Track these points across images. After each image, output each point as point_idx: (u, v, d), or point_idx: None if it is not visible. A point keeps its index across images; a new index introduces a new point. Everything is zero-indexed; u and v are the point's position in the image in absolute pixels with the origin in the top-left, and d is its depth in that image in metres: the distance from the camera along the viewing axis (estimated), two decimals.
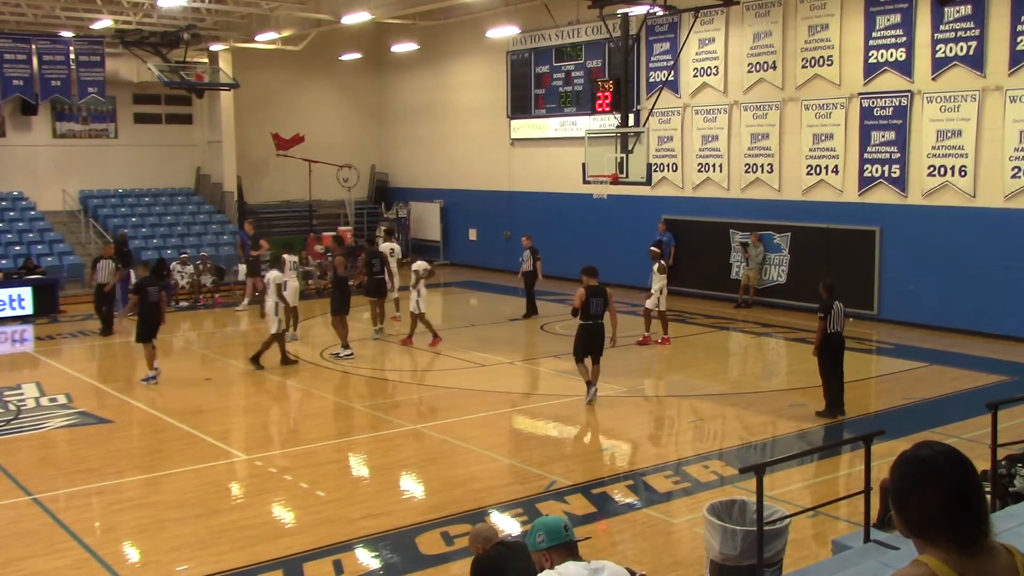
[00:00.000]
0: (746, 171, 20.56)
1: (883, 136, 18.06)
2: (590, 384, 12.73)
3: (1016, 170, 16.25)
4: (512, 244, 25.96)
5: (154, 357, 14.41)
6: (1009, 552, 2.55)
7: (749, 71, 20.24)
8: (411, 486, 9.90)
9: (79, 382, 14.60)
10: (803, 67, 19.22)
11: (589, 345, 12.66)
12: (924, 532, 2.49)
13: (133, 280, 21.44)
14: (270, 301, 15.23)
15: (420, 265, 16.98)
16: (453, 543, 7.94)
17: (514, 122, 26.04)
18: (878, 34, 17.95)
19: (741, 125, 20.54)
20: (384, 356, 16.58)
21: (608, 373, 14.68)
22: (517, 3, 23.37)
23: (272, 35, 25.00)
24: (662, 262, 16.85)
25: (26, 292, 20.07)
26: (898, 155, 17.85)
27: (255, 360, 15.20)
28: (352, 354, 15.88)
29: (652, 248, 17.53)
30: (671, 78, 21.43)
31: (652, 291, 16.49)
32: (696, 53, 21.18)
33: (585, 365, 12.77)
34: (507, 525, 8.38)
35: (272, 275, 15.42)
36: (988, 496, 6.48)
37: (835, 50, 18.66)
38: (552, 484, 9.54)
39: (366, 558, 7.83)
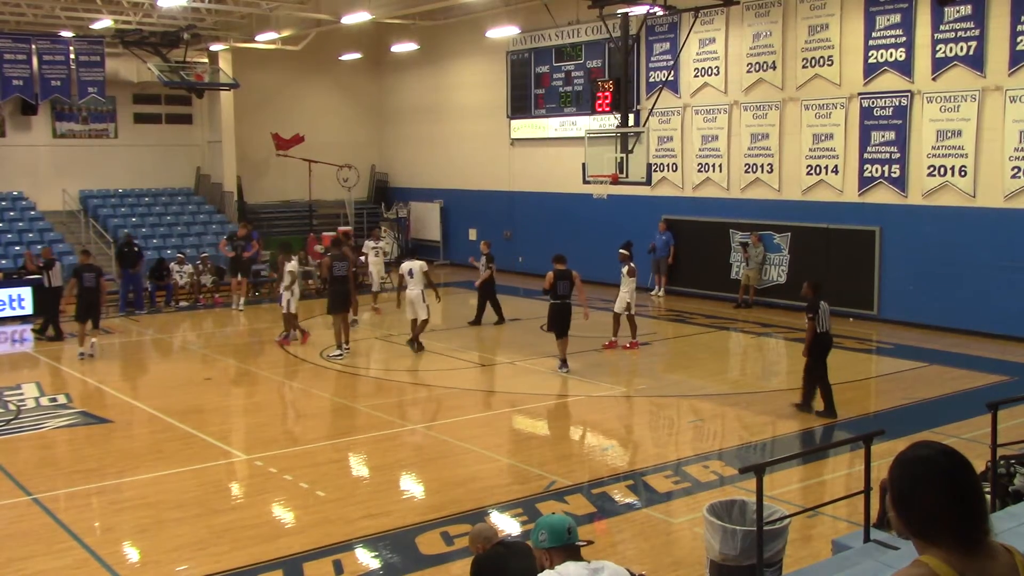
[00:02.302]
0: (746, 171, 20.56)
1: (883, 136, 18.05)
2: (565, 362, 14.54)
3: (1016, 170, 16.25)
4: (512, 244, 26.00)
5: (84, 335, 16.28)
6: (1009, 552, 2.55)
7: (749, 71, 20.24)
8: (411, 486, 9.90)
9: (79, 382, 14.60)
10: (803, 67, 19.22)
11: (559, 322, 14.51)
12: (928, 533, 2.49)
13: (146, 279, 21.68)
14: (417, 289, 15.96)
15: (294, 266, 17.22)
16: (453, 543, 7.94)
17: (514, 122, 26.04)
18: (878, 34, 17.95)
19: (741, 125, 20.54)
20: (383, 356, 16.58)
21: (608, 373, 14.74)
22: (517, 3, 23.36)
23: (272, 35, 25.01)
24: (632, 264, 16.33)
25: (26, 292, 20.06)
26: (898, 155, 17.85)
27: (415, 343, 16.13)
28: (342, 355, 15.82)
29: (621, 251, 16.63)
30: (671, 78, 21.43)
31: (621, 294, 16.10)
32: (696, 53, 21.18)
33: (562, 341, 14.48)
34: (507, 525, 8.39)
35: (417, 264, 16.23)
36: (988, 496, 6.49)
37: (835, 50, 18.66)
38: (552, 484, 9.54)
39: (366, 558, 7.83)
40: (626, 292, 16.09)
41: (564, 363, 14.55)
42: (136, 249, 21.48)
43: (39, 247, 21.35)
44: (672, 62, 21.40)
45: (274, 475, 10.02)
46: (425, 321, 16.26)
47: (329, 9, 23.00)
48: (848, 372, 14.58)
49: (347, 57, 28.93)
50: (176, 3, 21.01)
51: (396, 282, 19.92)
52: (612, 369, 15.10)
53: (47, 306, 18.54)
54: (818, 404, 12.04)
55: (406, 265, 16.38)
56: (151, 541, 8.22)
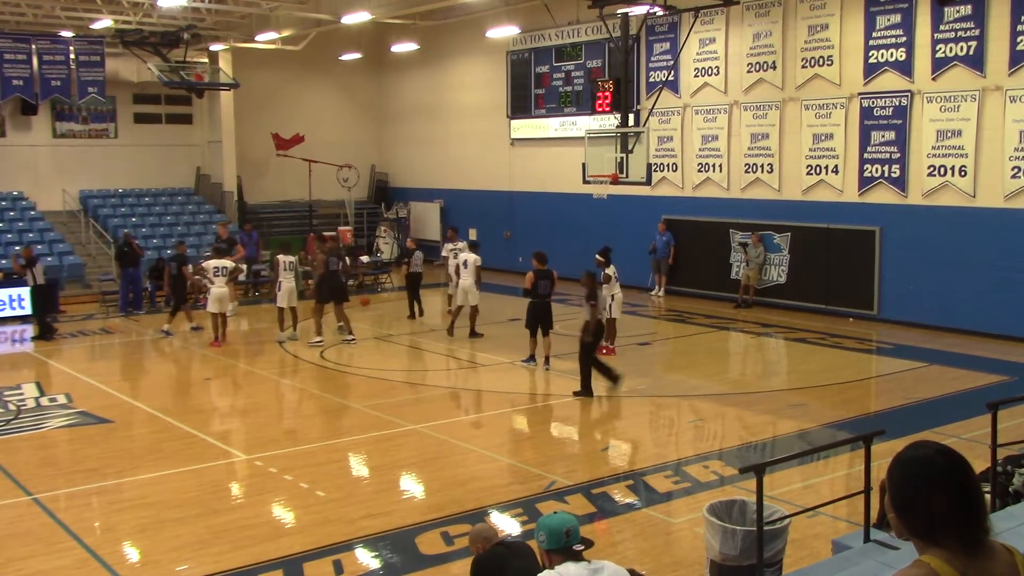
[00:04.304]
0: (746, 171, 20.56)
1: (883, 136, 18.05)
2: (532, 357, 14.78)
3: (1016, 170, 16.25)
4: (512, 244, 26.00)
5: (170, 320, 18.21)
6: (1009, 552, 2.56)
7: (749, 71, 20.24)
8: (411, 486, 9.90)
9: (79, 382, 14.60)
10: (803, 67, 19.22)
11: (538, 320, 14.64)
12: (928, 533, 2.49)
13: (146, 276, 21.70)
14: (470, 279, 17.17)
15: (221, 263, 17.47)
16: (453, 543, 7.94)
17: (514, 122, 26.05)
18: (878, 34, 17.95)
19: (741, 125, 20.54)
20: (383, 356, 16.59)
21: None
22: (517, 3, 23.37)
23: (272, 35, 25.01)
24: (606, 272, 15.65)
25: (26, 292, 20.02)
26: (898, 155, 17.85)
27: (452, 329, 17.43)
28: (353, 339, 16.75)
29: (598, 256, 15.98)
30: (671, 78, 21.43)
31: (614, 298, 15.64)
32: (696, 53, 21.18)
33: (536, 339, 14.71)
34: (507, 525, 8.39)
35: (472, 257, 17.45)
36: (987, 496, 6.49)
37: (835, 50, 18.66)
38: (552, 484, 9.54)
39: (366, 558, 7.83)
40: (609, 296, 15.65)
41: (532, 357, 14.83)
42: (133, 248, 21.41)
43: (19, 248, 21.13)
44: (672, 62, 21.40)
45: (274, 475, 10.02)
46: (475, 308, 17.36)
47: (329, 9, 23.01)
48: (848, 372, 14.60)
49: (347, 57, 28.92)
50: (176, 3, 21.02)
51: (398, 282, 20.34)
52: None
53: (33, 304, 18.54)
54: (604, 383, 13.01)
55: (461, 256, 17.69)
56: (151, 541, 8.22)
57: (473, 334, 17.32)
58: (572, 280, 21.74)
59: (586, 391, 13.02)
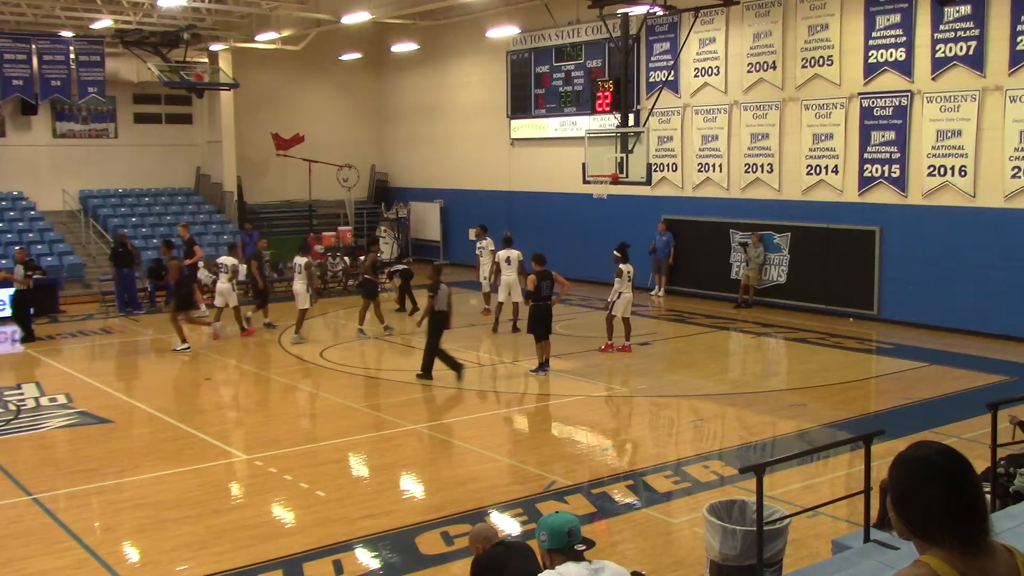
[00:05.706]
0: (746, 171, 20.55)
1: (883, 136, 18.05)
2: (543, 365, 14.34)
3: (1016, 170, 16.25)
4: (512, 244, 25.97)
5: (266, 313, 18.45)
6: (1009, 552, 2.56)
7: (749, 71, 20.24)
8: (411, 486, 9.90)
9: (79, 382, 14.60)
10: (803, 67, 19.22)
11: (543, 323, 14.38)
12: (927, 532, 2.49)
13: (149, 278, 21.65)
14: (513, 275, 17.48)
15: (224, 260, 17.93)
16: (453, 543, 7.94)
17: (514, 122, 26.04)
18: (878, 34, 17.95)
19: (741, 125, 20.54)
20: (383, 356, 16.58)
21: (608, 373, 14.73)
22: (517, 3, 23.37)
23: (272, 35, 25.01)
24: (620, 266, 15.66)
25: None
26: (898, 155, 17.85)
27: (494, 325, 17.76)
28: (188, 347, 16.60)
29: (615, 252, 15.93)
30: (671, 78, 21.43)
31: (622, 296, 15.62)
32: (696, 53, 21.17)
33: (544, 344, 14.37)
34: (507, 525, 8.39)
35: (515, 253, 17.68)
36: (988, 496, 6.49)
37: (835, 50, 18.66)
38: (552, 484, 9.54)
39: (366, 558, 7.83)
40: (623, 292, 15.67)
41: (542, 366, 14.34)
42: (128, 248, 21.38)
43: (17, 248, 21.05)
44: (672, 62, 21.40)
45: (274, 475, 10.02)
46: (517, 304, 17.48)
47: (329, 9, 23.01)
48: (848, 372, 14.60)
49: (347, 57, 28.93)
50: (176, 3, 21.02)
51: (392, 284, 20.57)
52: (612, 369, 15.10)
53: (17, 306, 18.41)
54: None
55: (503, 253, 17.93)
56: (151, 541, 8.22)
57: (516, 329, 17.50)
58: (572, 280, 21.82)
59: (426, 374, 13.85)
